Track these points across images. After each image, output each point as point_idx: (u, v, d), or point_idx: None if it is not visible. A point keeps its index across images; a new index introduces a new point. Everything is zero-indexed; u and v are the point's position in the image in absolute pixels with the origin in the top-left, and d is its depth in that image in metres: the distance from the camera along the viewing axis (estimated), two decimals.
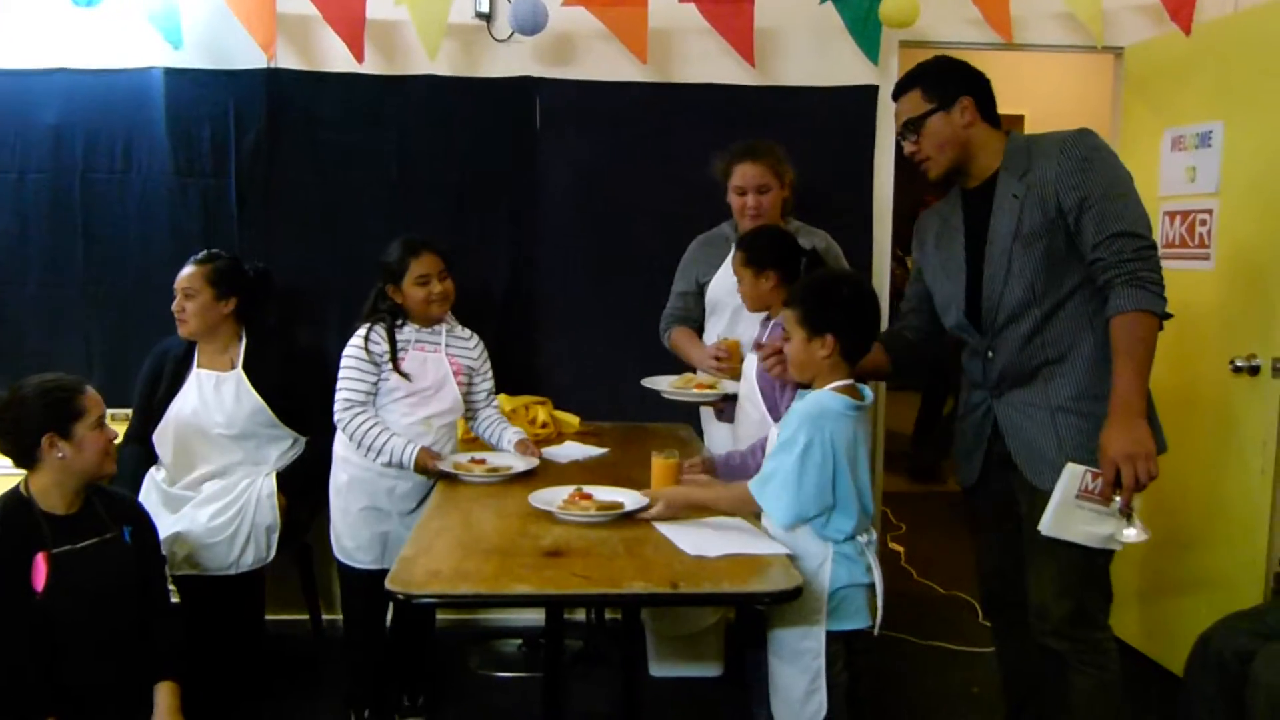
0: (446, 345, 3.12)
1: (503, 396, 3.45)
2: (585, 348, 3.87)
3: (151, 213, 3.71)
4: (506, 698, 3.41)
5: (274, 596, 3.44)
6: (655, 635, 3.55)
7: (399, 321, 3.08)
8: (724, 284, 3.18)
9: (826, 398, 2.21)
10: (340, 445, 3.07)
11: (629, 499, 2.45)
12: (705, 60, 3.80)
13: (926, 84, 2.47)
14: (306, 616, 3.69)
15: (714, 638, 3.53)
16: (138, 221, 3.71)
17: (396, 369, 3.01)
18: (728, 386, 3.03)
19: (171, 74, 3.65)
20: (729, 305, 3.19)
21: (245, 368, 3.26)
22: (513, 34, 3.67)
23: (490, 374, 3.25)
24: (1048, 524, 2.30)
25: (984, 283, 2.44)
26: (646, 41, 3.63)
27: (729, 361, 3.09)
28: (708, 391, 3.06)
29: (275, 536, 3.17)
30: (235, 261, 3.36)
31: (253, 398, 3.23)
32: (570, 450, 3.25)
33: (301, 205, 3.74)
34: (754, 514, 2.32)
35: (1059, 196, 2.31)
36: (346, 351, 3.02)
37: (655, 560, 2.12)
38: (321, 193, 3.74)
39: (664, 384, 3.15)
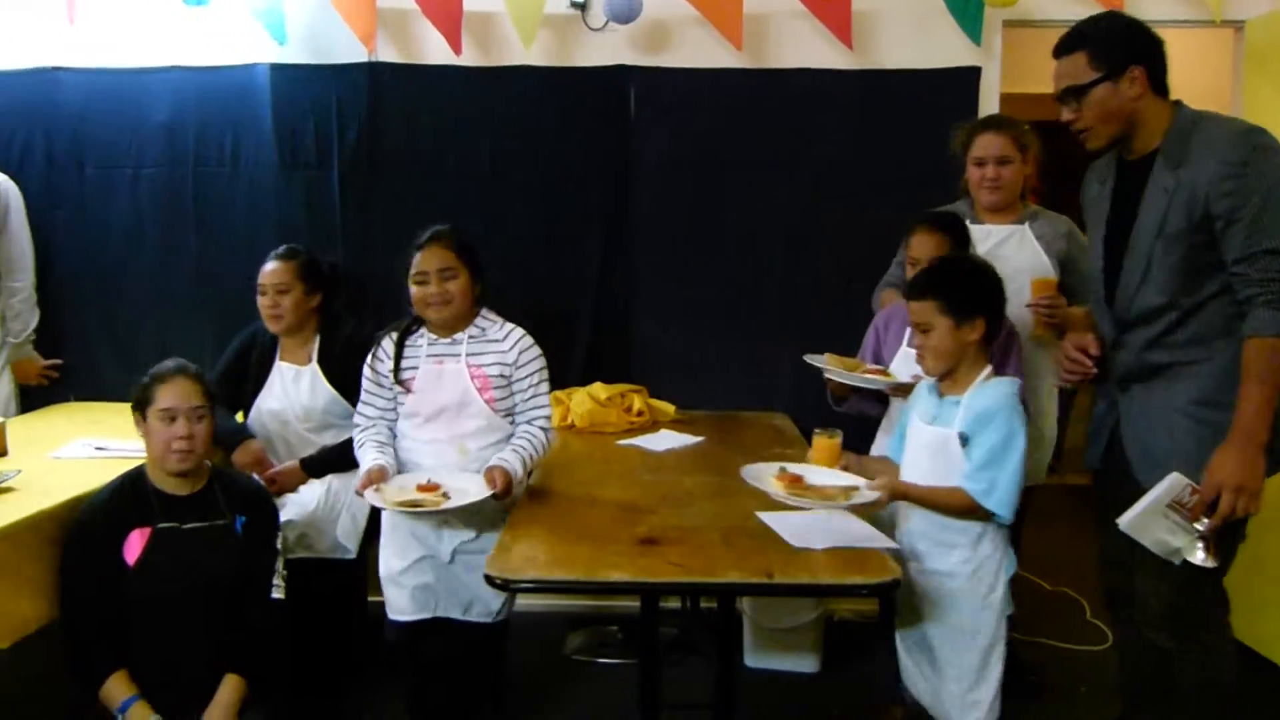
0: (469, 354, 2.76)
1: (599, 385, 3.47)
2: (680, 336, 3.85)
3: (258, 205, 3.81)
4: (603, 683, 3.42)
5: (375, 582, 3.51)
6: (753, 626, 3.53)
7: (415, 328, 2.84)
8: None
9: (1009, 385, 2.31)
10: None
11: (853, 481, 2.33)
12: (801, 44, 3.74)
13: (1095, 48, 2.26)
14: None
15: (813, 632, 3.49)
16: (245, 213, 3.82)
17: (399, 383, 2.79)
18: (901, 375, 2.85)
19: (277, 69, 3.74)
20: None
21: (320, 361, 3.32)
22: (607, 23, 3.67)
23: (536, 373, 2.79)
24: (1128, 520, 2.24)
25: (1121, 275, 2.34)
26: (741, 27, 3.59)
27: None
28: (878, 379, 2.83)
29: (364, 523, 3.21)
30: (314, 255, 3.42)
31: (327, 390, 3.27)
32: (665, 439, 3.25)
33: (399, 196, 3.79)
34: (950, 510, 2.34)
35: (1209, 203, 2.15)
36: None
37: (752, 550, 2.11)
38: (419, 183, 3.79)
39: (832, 368, 2.92)
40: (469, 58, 3.72)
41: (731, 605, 3.23)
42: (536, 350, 2.79)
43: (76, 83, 3.80)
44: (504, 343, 2.78)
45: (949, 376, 2.37)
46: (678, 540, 2.17)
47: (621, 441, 3.24)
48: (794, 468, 2.36)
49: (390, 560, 2.83)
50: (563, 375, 3.55)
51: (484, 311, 2.84)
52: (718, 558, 2.05)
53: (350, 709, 3.21)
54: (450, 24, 3.61)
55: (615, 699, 3.28)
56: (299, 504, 3.16)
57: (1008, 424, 2.24)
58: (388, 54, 3.77)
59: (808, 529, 2.20)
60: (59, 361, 3.88)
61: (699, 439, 3.23)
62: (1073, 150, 2.53)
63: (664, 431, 3.35)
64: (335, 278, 3.52)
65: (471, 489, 2.52)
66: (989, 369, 2.35)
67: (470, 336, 2.78)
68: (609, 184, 3.80)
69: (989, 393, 2.29)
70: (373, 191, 3.81)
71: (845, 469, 2.37)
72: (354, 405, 3.27)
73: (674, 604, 3.78)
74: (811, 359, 2.98)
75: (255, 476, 3.10)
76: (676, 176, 3.79)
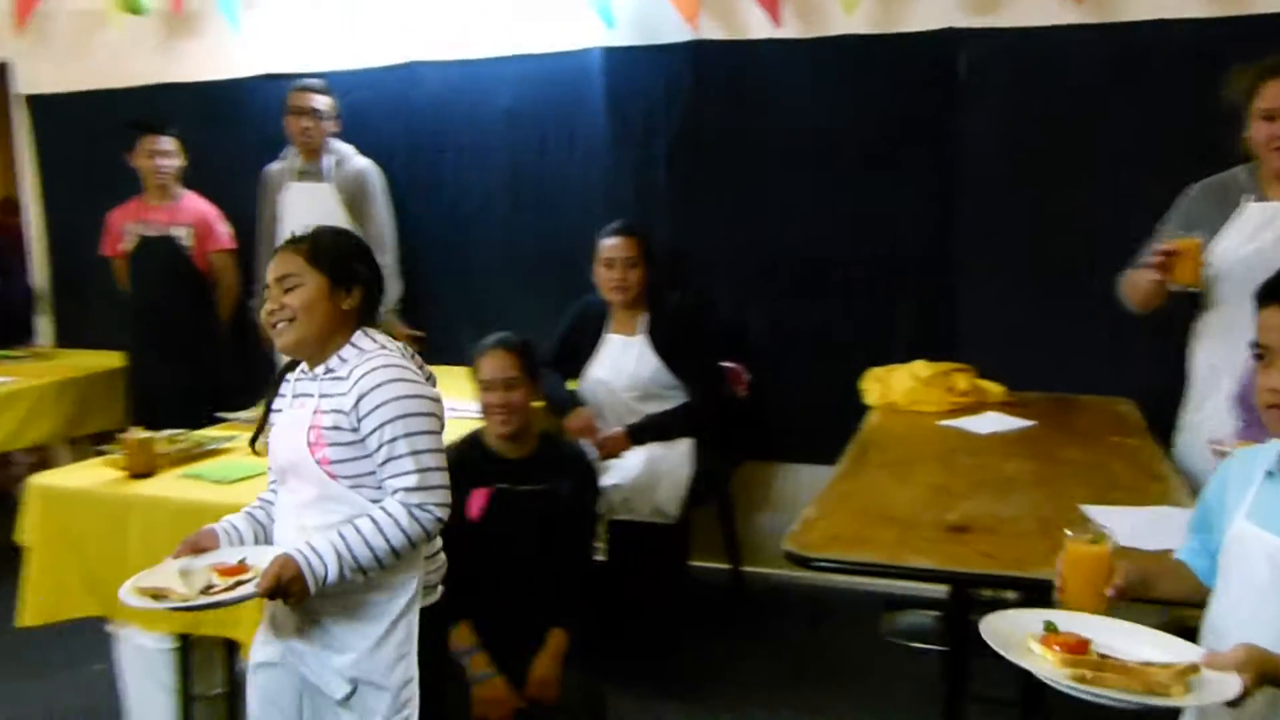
0: (321, 395, 1.95)
1: (920, 363, 3.35)
2: (1012, 312, 3.64)
3: (590, 185, 4.00)
4: (913, 667, 3.34)
5: (699, 545, 3.63)
6: None
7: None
8: (1234, 250, 2.51)
9: None
10: None
11: (1177, 653, 1.43)
12: None
13: None
14: (728, 566, 3.87)
15: None
16: (579, 192, 4.02)
17: (253, 440, 2.15)
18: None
19: (609, 53, 3.91)
20: (1238, 279, 2.42)
21: (649, 333, 3.43)
22: None
23: (389, 424, 1.86)
24: None
25: None
26: None
27: (1176, 260, 2.42)
28: None
29: (687, 489, 3.31)
30: (648, 232, 3.54)
31: (653, 361, 3.38)
32: (990, 421, 3.08)
33: (723, 172, 3.85)
34: None
35: None
36: None
37: None
38: (743, 158, 3.82)
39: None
40: (790, 29, 3.70)
41: (1046, 603, 3.04)
42: (390, 391, 1.87)
43: (433, 75, 4.18)
44: (346, 382, 1.91)
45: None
46: (990, 529, 2.06)
47: (942, 422, 3.11)
48: (1067, 619, 1.53)
49: None
50: (884, 352, 3.48)
51: (360, 334, 1.99)
52: (1031, 550, 1.93)
53: (671, 666, 3.34)
54: None
55: (924, 684, 3.19)
56: (623, 469, 3.32)
57: None
58: (711, 31, 3.81)
59: (1138, 527, 2.00)
60: (421, 334, 4.30)
61: (1028, 423, 3.04)
62: None
63: (990, 413, 3.18)
64: (661, 254, 3.66)
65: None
66: None
67: (328, 370, 1.97)
68: (935, 154, 3.65)
69: None
70: (698, 168, 3.88)
71: (1120, 593, 1.55)
72: (679, 377, 3.40)
73: (993, 594, 3.61)
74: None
75: (583, 442, 3.28)
76: (1010, 143, 3.57)
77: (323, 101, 4.04)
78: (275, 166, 4.20)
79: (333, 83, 4.12)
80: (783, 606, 3.72)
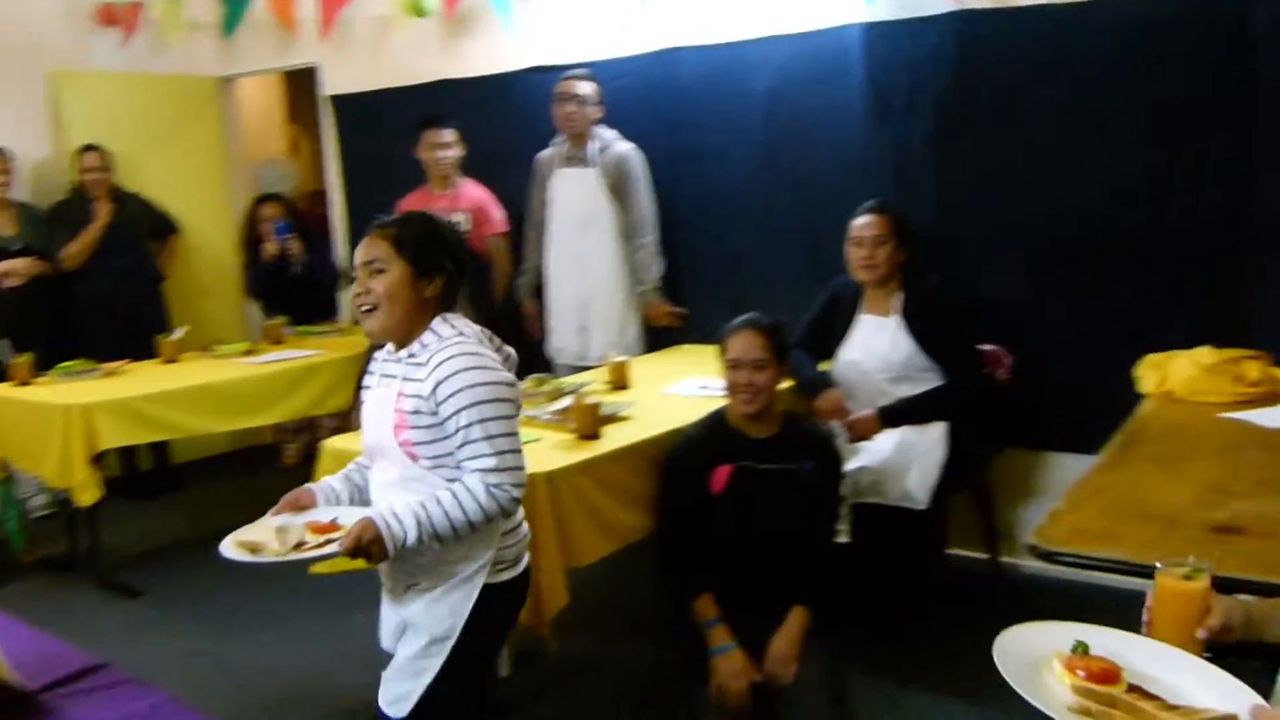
0: (404, 378, 2.06)
1: (1205, 349, 3.08)
2: None
3: (849, 164, 3.95)
4: None
5: (957, 533, 3.53)
6: None
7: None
8: None
9: None
10: None
11: (1227, 705, 1.28)
12: None
13: None
14: (986, 556, 3.74)
15: None
16: (836, 171, 3.98)
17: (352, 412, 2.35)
18: None
19: (869, 28, 3.83)
20: None
21: (903, 314, 3.34)
22: None
23: (466, 410, 1.97)
24: None
25: None
26: None
27: None
28: None
29: (939, 475, 3.22)
30: (903, 210, 3.45)
31: (907, 343, 3.31)
32: None
33: (989, 147, 3.68)
34: None
35: None
36: None
37: None
38: (1009, 132, 3.64)
39: None
40: None
41: None
42: (469, 378, 1.96)
43: (693, 59, 4.26)
44: (425, 368, 2.01)
45: None
46: (1266, 533, 1.88)
47: (1226, 414, 2.86)
48: (1106, 639, 1.38)
49: None
50: (1162, 336, 3.22)
51: (440, 320, 2.08)
52: None
53: (915, 653, 3.27)
54: None
55: None
56: (873, 452, 3.28)
57: None
58: (975, 0, 3.65)
59: None
60: (683, 311, 4.40)
61: None
62: None
63: None
64: (920, 233, 3.56)
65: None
66: None
67: (410, 355, 2.08)
68: (1228, 118, 3.31)
69: None
70: (961, 144, 3.74)
71: (1215, 635, 1.40)
72: (934, 359, 3.30)
73: None
74: None
75: (831, 424, 3.27)
76: None
77: (587, 89, 4.22)
78: (545, 153, 4.42)
79: (597, 71, 4.30)
80: (1040, 600, 3.54)
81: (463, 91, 4.90)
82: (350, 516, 2.04)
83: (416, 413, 2.01)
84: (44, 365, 4.36)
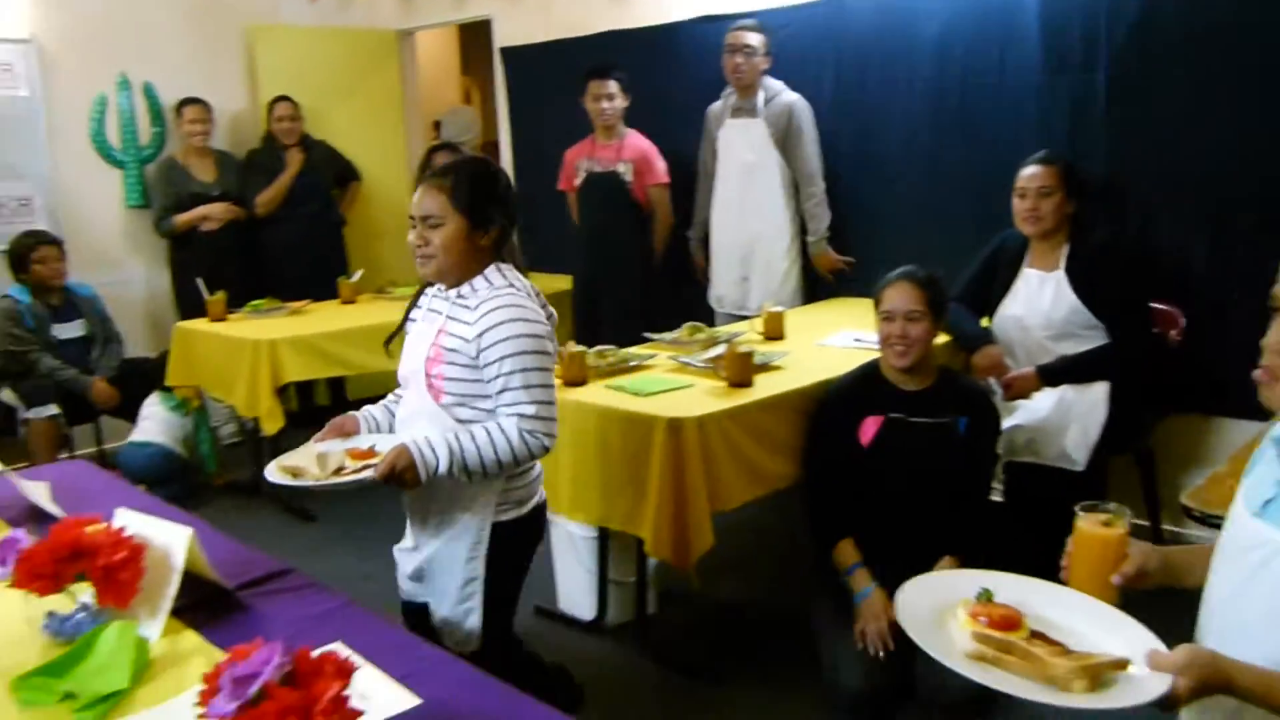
0: (449, 317, 2.17)
1: None
2: None
3: (1020, 112, 3.82)
4: None
5: (1116, 497, 3.42)
6: None
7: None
8: None
9: None
10: None
11: (1122, 646, 1.33)
12: None
13: None
14: (1147, 524, 3.62)
15: None
16: (1008, 121, 3.86)
17: (388, 341, 2.46)
18: None
19: None
20: None
21: (1067, 269, 3.24)
22: None
23: (510, 357, 2.07)
24: None
25: None
26: None
27: None
28: None
29: (1099, 436, 3.14)
30: (1072, 161, 3.34)
31: (1070, 298, 3.20)
32: None
33: (1172, 98, 3.49)
34: None
35: None
36: None
37: None
38: (1194, 80, 3.44)
39: None
40: None
41: None
42: (514, 328, 2.07)
43: (861, 8, 4.19)
44: (473, 312, 2.12)
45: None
46: None
47: None
48: (1013, 586, 1.43)
49: None
50: None
51: (493, 269, 2.19)
52: None
53: None
54: None
55: None
56: (1031, 410, 3.22)
57: None
58: None
59: None
60: (851, 260, 4.38)
61: None
62: None
63: None
64: (1092, 186, 3.44)
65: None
66: None
67: (459, 295, 2.18)
68: None
69: None
70: (1142, 95, 3.57)
71: (1131, 581, 1.44)
72: (1099, 316, 3.20)
73: None
74: None
75: (990, 381, 3.22)
76: None
77: (756, 39, 4.20)
78: (715, 106, 4.45)
79: (765, 21, 4.27)
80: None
81: (630, 42, 4.95)
82: (387, 444, 2.13)
83: (454, 350, 2.13)
84: (236, 303, 4.69)
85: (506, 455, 2.09)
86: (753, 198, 4.33)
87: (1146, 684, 1.23)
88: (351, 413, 2.35)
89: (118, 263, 5.47)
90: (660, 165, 4.67)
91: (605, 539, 3.23)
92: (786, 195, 4.29)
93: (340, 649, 1.35)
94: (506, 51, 5.67)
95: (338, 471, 2.08)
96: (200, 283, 4.75)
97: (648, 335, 3.67)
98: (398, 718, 1.35)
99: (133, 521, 1.72)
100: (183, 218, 5.24)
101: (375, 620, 1.63)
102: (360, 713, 1.17)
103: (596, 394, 2.97)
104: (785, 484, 2.90)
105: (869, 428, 2.65)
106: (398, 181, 6.19)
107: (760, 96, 4.25)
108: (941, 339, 2.97)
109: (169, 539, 1.69)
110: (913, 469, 2.62)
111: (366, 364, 4.39)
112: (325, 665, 1.17)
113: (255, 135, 5.65)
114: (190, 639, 1.62)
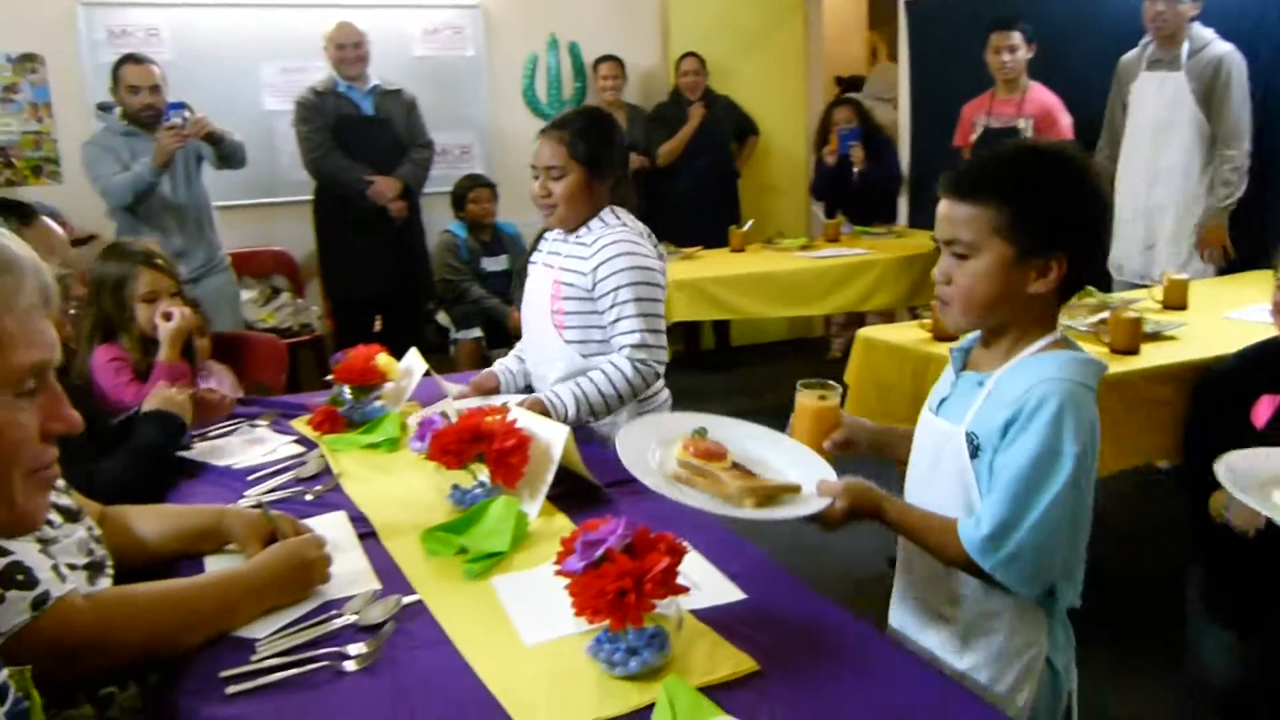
0: (566, 255, 2.37)
1: None
2: None
3: None
4: None
5: None
6: None
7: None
8: None
9: (1068, 364, 1.42)
10: None
11: (799, 476, 1.57)
12: None
13: None
14: None
15: None
16: None
17: (509, 295, 2.31)
18: None
19: None
20: None
21: None
22: None
23: (624, 288, 2.28)
24: None
25: None
26: None
27: None
28: None
29: None
30: None
31: None
32: None
33: None
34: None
35: None
36: None
37: None
38: None
39: None
40: None
41: None
42: (627, 261, 2.27)
43: None
44: (589, 249, 2.32)
45: (988, 340, 1.52)
46: None
47: None
48: (731, 429, 1.67)
49: None
50: None
51: (608, 211, 2.38)
52: None
53: None
54: None
55: None
56: None
57: (1048, 433, 1.36)
58: None
59: None
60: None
61: None
62: None
63: None
64: None
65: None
66: (1050, 338, 1.47)
67: (577, 237, 2.37)
68: None
69: (1029, 373, 1.41)
70: None
71: (841, 446, 1.66)
72: None
73: None
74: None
75: None
76: None
77: None
78: (1129, 56, 4.15)
79: None
80: None
81: None
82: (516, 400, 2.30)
83: (572, 285, 2.34)
84: None
85: (624, 388, 2.29)
86: (1165, 159, 4.01)
87: (809, 503, 1.48)
88: (490, 370, 2.57)
89: None
90: (1065, 120, 4.42)
91: None
92: (1204, 158, 3.93)
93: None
94: (911, 5, 5.60)
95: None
96: None
97: None
98: (723, 607, 1.49)
99: (522, 416, 1.99)
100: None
101: (715, 525, 1.77)
102: (685, 589, 1.32)
103: None
104: (1157, 458, 2.72)
105: (1264, 408, 2.42)
106: (795, 137, 6.34)
107: (1185, 47, 3.89)
108: None
109: (551, 435, 1.94)
110: None
111: (749, 309, 4.59)
112: (660, 543, 1.32)
113: (664, 90, 6.01)
114: (561, 520, 1.85)
